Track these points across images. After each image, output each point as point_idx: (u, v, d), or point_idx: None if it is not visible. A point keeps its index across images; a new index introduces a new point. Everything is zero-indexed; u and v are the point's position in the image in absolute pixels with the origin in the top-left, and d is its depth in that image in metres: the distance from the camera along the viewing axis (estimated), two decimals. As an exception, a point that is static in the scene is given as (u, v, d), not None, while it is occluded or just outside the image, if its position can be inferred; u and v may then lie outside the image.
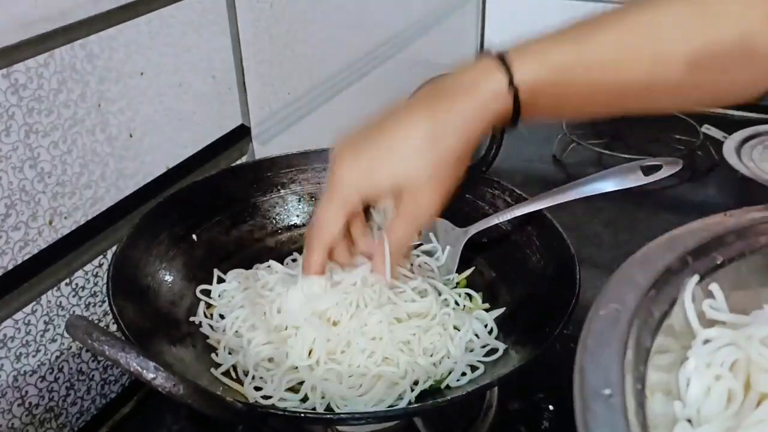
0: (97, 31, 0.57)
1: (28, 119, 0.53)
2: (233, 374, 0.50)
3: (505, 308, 0.56)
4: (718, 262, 0.42)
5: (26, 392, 0.57)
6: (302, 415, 0.41)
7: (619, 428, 0.30)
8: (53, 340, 0.58)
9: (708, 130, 0.99)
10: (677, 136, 1.10)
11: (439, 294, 0.55)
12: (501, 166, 1.03)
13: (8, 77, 0.51)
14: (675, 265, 0.40)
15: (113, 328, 0.62)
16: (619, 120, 1.18)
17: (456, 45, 1.30)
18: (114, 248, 0.62)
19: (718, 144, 0.93)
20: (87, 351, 0.61)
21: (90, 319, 0.40)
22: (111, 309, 0.46)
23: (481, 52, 0.53)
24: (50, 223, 0.56)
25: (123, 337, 0.44)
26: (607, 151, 1.08)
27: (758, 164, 0.87)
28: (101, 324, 0.62)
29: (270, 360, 0.49)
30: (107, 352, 0.33)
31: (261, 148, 0.79)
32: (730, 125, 1.07)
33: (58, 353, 0.59)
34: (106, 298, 0.60)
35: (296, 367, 0.47)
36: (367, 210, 0.56)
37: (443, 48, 1.24)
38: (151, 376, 0.33)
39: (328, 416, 0.43)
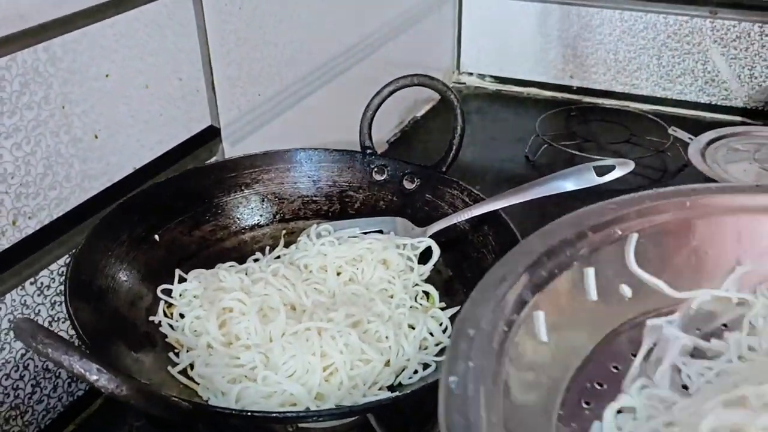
0: (60, 34, 0.58)
1: (-10, 120, 0.54)
2: (190, 372, 0.51)
3: (460, 307, 0.57)
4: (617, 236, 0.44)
5: (-9, 390, 0.58)
6: (252, 414, 0.41)
7: (479, 360, 0.32)
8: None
9: (675, 132, 1.01)
10: (648, 137, 1.12)
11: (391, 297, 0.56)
12: (472, 165, 1.05)
13: (-31, 80, 0.52)
14: (571, 238, 0.43)
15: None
16: (591, 121, 1.20)
17: (432, 46, 1.31)
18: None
19: (686, 145, 0.94)
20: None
21: (35, 321, 0.41)
22: (67, 310, 0.47)
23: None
24: (14, 223, 0.57)
25: (78, 339, 0.45)
26: (579, 152, 1.09)
27: (722, 166, 0.88)
28: (68, 323, 0.63)
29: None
30: (51, 354, 0.34)
31: (231, 149, 0.79)
32: (699, 127, 1.09)
33: (23, 351, 0.59)
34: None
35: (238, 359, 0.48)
36: None
37: (419, 49, 1.25)
38: (94, 377, 0.34)
39: (280, 414, 0.44)
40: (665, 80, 1.23)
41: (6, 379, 0.59)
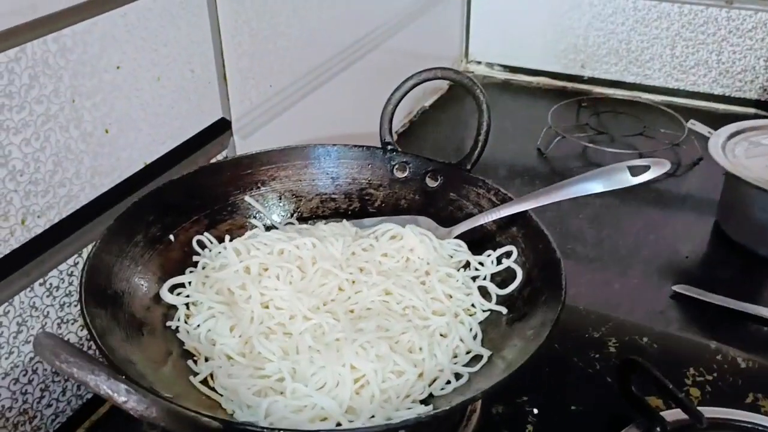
0: (70, 24, 0.55)
1: (-1, 116, 0.51)
2: (211, 381, 0.49)
3: (489, 312, 0.55)
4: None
5: (-1, 395, 0.55)
6: (280, 430, 0.39)
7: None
8: (27, 342, 0.57)
9: (693, 125, 0.99)
10: (663, 130, 1.10)
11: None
12: (485, 159, 1.03)
13: (-23, 73, 0.49)
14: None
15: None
16: (603, 113, 1.18)
17: (440, 35, 1.28)
18: (89, 247, 0.60)
19: (704, 139, 0.92)
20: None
21: (59, 336, 0.38)
22: (84, 319, 0.44)
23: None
24: (23, 222, 0.55)
25: (98, 350, 0.43)
26: (591, 145, 1.07)
27: (742, 160, 0.86)
28: (77, 324, 0.61)
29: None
30: (76, 375, 0.32)
31: (242, 142, 0.77)
32: (714, 120, 1.07)
33: (31, 355, 0.57)
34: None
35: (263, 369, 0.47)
36: None
37: (428, 39, 1.22)
38: (122, 399, 0.32)
39: None
40: (678, 71, 1.21)
41: (14, 384, 0.57)
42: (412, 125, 1.18)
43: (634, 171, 0.56)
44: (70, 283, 0.59)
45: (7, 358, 0.55)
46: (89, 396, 0.64)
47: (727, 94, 1.19)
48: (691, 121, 1.01)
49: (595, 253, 0.89)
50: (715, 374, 0.61)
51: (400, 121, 1.16)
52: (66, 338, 0.60)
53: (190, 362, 0.50)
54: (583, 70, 1.27)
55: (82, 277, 0.48)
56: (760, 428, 0.54)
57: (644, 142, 1.09)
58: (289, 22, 0.82)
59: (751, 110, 1.18)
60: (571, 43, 1.26)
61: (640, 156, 1.06)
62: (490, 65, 1.34)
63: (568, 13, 1.24)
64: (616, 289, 0.83)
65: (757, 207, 0.84)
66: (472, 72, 1.35)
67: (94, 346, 0.60)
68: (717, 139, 0.90)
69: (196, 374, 0.49)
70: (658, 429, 0.53)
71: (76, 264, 0.59)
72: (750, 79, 1.17)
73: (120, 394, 0.32)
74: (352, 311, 0.52)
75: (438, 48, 1.29)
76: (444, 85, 1.27)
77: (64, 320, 0.60)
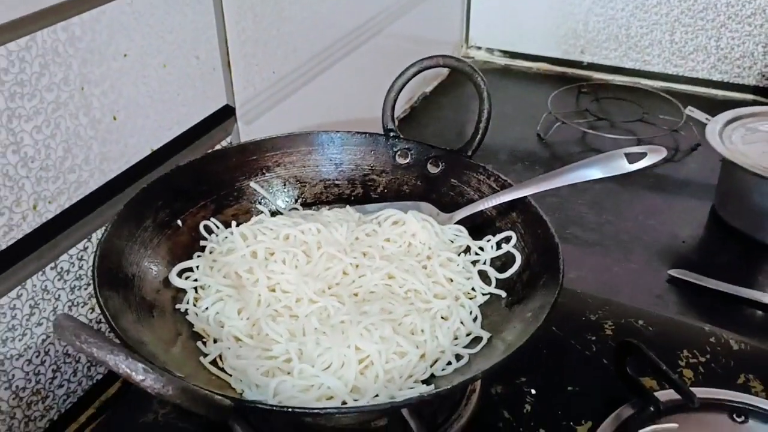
0: (79, 13, 0.56)
1: (10, 104, 0.52)
2: (220, 362, 0.50)
3: (489, 295, 0.57)
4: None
5: (13, 376, 0.57)
6: (288, 409, 0.41)
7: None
8: (39, 324, 0.58)
9: (692, 112, 1.00)
10: (661, 116, 1.11)
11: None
12: (486, 144, 1.04)
13: (-11, 62, 0.50)
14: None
15: (99, 312, 0.63)
16: (602, 99, 1.19)
17: (441, 20, 1.29)
18: (98, 232, 0.62)
19: (701, 125, 0.94)
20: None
21: (78, 318, 0.40)
22: (97, 301, 0.46)
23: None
24: (34, 207, 0.56)
25: (112, 332, 0.44)
26: (591, 131, 1.08)
27: (738, 147, 0.88)
28: (87, 307, 0.62)
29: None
30: (96, 354, 0.33)
31: (246, 128, 0.78)
32: (713, 105, 1.08)
33: (44, 336, 0.59)
34: (91, 282, 0.60)
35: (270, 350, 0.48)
36: None
37: (429, 24, 1.23)
38: (140, 377, 0.33)
39: (322, 410, 0.44)
40: (677, 57, 1.22)
41: (28, 365, 0.58)
42: (413, 111, 1.20)
43: (631, 158, 0.57)
44: (80, 267, 0.61)
45: (20, 340, 0.57)
46: (99, 377, 0.65)
47: (725, 80, 1.20)
48: (689, 107, 1.02)
49: (595, 238, 0.91)
50: (708, 356, 0.63)
51: (401, 107, 1.17)
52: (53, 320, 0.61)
53: (199, 343, 0.52)
54: (582, 56, 1.28)
55: (94, 261, 0.49)
56: (750, 408, 0.56)
57: (643, 128, 1.11)
58: (292, 8, 0.83)
59: (750, 96, 1.19)
60: (571, 28, 1.27)
61: (639, 142, 1.07)
62: (490, 51, 1.35)
63: (568, -1, 1.25)
64: (615, 272, 0.85)
65: (754, 193, 0.85)
66: (473, 57, 1.36)
67: (105, 328, 0.63)
68: (714, 125, 0.91)
69: (205, 355, 0.50)
70: (652, 408, 0.55)
71: (86, 248, 0.61)
72: (748, 65, 1.18)
73: (138, 372, 0.34)
74: (356, 294, 0.54)
75: (439, 33, 1.29)
76: (444, 71, 1.28)
77: (75, 303, 0.62)
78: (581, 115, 1.14)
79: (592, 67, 1.28)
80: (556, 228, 0.56)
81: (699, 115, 0.97)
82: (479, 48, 1.36)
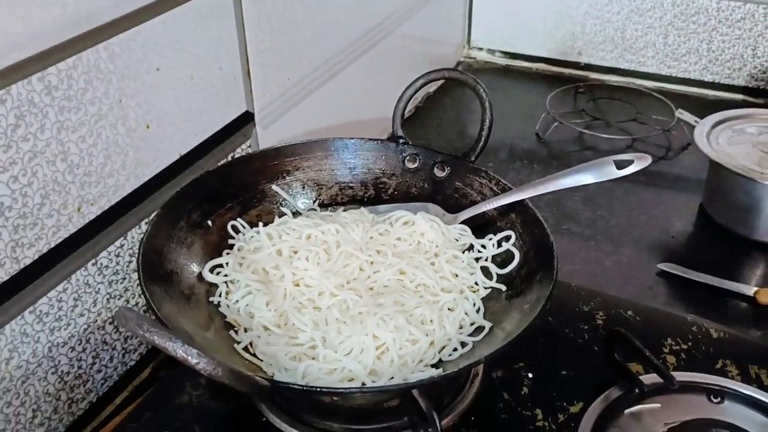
0: (118, 33, 0.62)
1: (60, 117, 0.58)
2: (251, 349, 0.56)
3: (490, 288, 0.63)
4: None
5: (59, 361, 0.63)
6: (316, 389, 0.47)
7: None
8: (81, 315, 0.64)
9: (681, 114, 1.05)
10: (654, 116, 1.17)
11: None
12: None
13: (42, 80, 0.56)
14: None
15: (134, 302, 0.69)
16: (598, 99, 1.24)
17: (444, 22, 1.34)
18: (133, 230, 0.67)
19: (692, 127, 0.99)
20: (111, 323, 0.67)
21: (137, 311, 0.46)
22: (144, 295, 0.51)
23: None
24: (79, 209, 0.62)
25: (156, 318, 0.50)
26: (587, 131, 1.14)
27: (725, 148, 0.93)
28: (122, 299, 0.68)
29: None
30: (157, 341, 0.39)
31: (263, 132, 0.84)
32: (705, 105, 1.14)
33: (85, 326, 0.65)
34: (126, 276, 0.66)
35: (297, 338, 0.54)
36: None
37: (432, 27, 1.28)
38: (194, 361, 0.39)
39: (346, 390, 0.50)
40: (671, 58, 1.27)
41: (71, 352, 0.64)
42: (418, 110, 1.25)
43: (620, 164, 0.63)
44: (117, 263, 0.67)
45: (65, 329, 0.63)
46: (132, 363, 0.71)
47: (716, 81, 1.26)
48: (679, 110, 1.07)
49: (589, 233, 0.96)
50: (690, 343, 0.69)
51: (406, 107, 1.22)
52: (113, 312, 0.67)
53: (231, 332, 0.58)
54: (580, 57, 1.33)
55: (138, 259, 0.55)
56: (726, 390, 0.62)
57: (637, 128, 1.16)
58: (306, 15, 0.88)
59: (739, 96, 1.25)
60: (569, 31, 1.32)
61: (633, 141, 1.13)
62: (491, 51, 1.40)
63: (567, 2, 1.30)
64: (607, 266, 0.90)
65: (737, 191, 0.90)
66: (474, 58, 1.41)
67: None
68: (702, 127, 0.96)
69: (238, 342, 0.56)
70: (637, 390, 0.61)
71: (122, 246, 0.67)
72: (738, 66, 1.23)
73: (193, 357, 0.40)
74: (371, 288, 0.60)
75: (442, 34, 1.34)
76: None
77: (113, 296, 0.67)
78: (578, 115, 1.19)
79: (589, 67, 1.33)
80: (553, 223, 0.62)
81: (688, 117, 1.03)
82: (481, 49, 1.41)
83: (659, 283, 0.87)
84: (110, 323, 0.67)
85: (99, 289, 0.66)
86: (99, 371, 0.68)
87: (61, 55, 0.57)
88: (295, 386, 0.47)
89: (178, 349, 0.39)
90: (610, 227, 0.97)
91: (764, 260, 0.91)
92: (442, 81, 1.31)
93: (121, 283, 0.68)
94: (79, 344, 0.65)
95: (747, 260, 0.91)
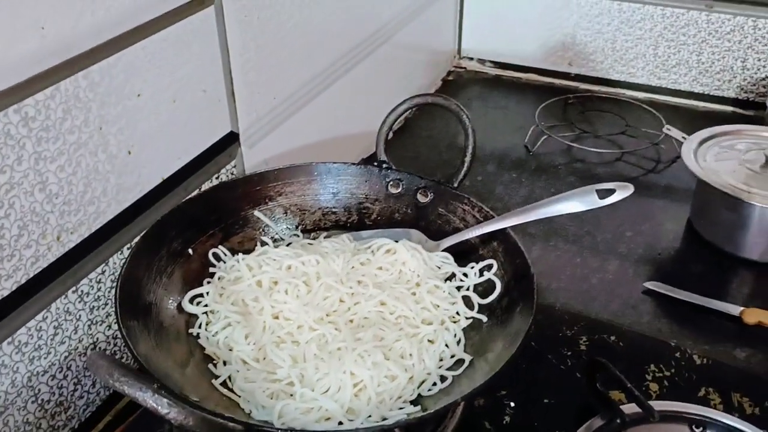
0: (99, 60, 0.61)
1: (38, 147, 0.57)
2: (229, 383, 0.56)
3: (471, 319, 0.63)
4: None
5: (39, 390, 0.63)
6: (293, 430, 0.47)
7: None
8: (62, 343, 0.64)
9: (669, 131, 1.05)
10: (643, 129, 1.16)
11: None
12: (476, 154, 1.10)
13: (19, 111, 0.55)
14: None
15: (115, 327, 0.68)
16: (588, 111, 1.24)
17: (435, 32, 1.34)
18: (115, 257, 0.67)
19: (680, 142, 0.98)
20: (93, 349, 0.67)
21: (111, 356, 0.46)
22: (120, 331, 0.51)
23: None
24: (58, 239, 0.61)
25: (134, 360, 0.50)
26: (576, 144, 1.14)
27: (711, 165, 0.93)
28: (104, 325, 0.68)
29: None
30: (127, 391, 0.39)
31: (249, 152, 0.83)
32: (694, 117, 1.13)
33: (66, 354, 0.64)
34: (108, 302, 0.66)
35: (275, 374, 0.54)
36: None
37: (423, 37, 1.27)
38: (164, 411, 0.39)
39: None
40: (661, 70, 1.27)
41: (52, 380, 0.64)
42: (408, 121, 1.24)
43: (602, 194, 0.63)
44: (98, 290, 0.66)
45: (45, 358, 0.63)
46: (115, 387, 0.71)
47: (706, 92, 1.26)
48: (666, 126, 1.07)
49: (576, 249, 0.95)
50: (673, 370, 0.69)
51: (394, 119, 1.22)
52: (95, 337, 0.67)
53: (210, 366, 0.57)
54: (570, 68, 1.33)
55: (116, 292, 0.55)
56: (707, 420, 0.62)
57: (626, 141, 1.16)
58: (293, 35, 0.87)
59: (729, 108, 1.25)
60: (560, 41, 1.32)
61: (622, 155, 1.13)
62: (482, 61, 1.40)
63: (556, 13, 1.29)
64: (593, 283, 0.90)
65: (723, 209, 0.90)
66: (464, 68, 1.41)
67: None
68: (690, 144, 0.96)
69: (216, 377, 0.56)
70: (618, 420, 0.61)
71: (103, 272, 0.66)
72: (728, 78, 1.23)
73: (163, 407, 0.39)
74: (351, 321, 0.60)
75: (433, 44, 1.34)
76: (435, 86, 1.33)
77: (94, 322, 0.67)
78: (567, 127, 1.19)
79: (579, 78, 1.33)
80: (540, 239, 0.61)
81: (676, 133, 1.03)
82: (471, 59, 1.41)
83: (645, 302, 0.87)
84: (92, 349, 0.67)
85: (80, 316, 0.65)
86: (81, 397, 0.68)
87: (39, 85, 0.57)
88: (270, 428, 0.47)
89: (148, 400, 0.39)
90: (596, 243, 0.96)
91: (751, 279, 0.91)
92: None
93: (103, 308, 0.67)
94: (60, 372, 0.65)
95: (734, 278, 0.91)
